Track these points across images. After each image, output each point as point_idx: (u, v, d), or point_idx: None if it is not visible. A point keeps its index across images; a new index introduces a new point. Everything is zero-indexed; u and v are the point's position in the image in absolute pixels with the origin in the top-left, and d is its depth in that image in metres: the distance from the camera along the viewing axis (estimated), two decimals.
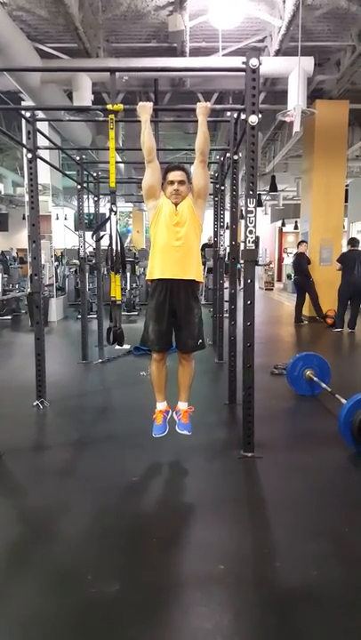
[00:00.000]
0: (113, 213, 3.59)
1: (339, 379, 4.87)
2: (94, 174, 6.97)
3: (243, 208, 3.34)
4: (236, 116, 4.40)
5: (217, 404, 4.53)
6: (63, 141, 10.08)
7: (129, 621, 1.87)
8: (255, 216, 3.22)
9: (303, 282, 9.52)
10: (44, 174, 8.46)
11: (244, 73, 3.16)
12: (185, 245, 3.17)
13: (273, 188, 15.30)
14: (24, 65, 6.59)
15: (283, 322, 10.41)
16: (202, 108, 3.27)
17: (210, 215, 7.47)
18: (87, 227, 7.28)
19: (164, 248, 3.17)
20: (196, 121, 3.29)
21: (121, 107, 3.57)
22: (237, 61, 3.28)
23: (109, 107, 3.49)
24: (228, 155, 5.32)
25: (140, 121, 3.29)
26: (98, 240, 6.72)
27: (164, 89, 8.95)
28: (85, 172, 6.36)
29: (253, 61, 3.12)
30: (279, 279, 21.22)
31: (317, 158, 9.61)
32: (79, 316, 7.46)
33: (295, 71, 6.96)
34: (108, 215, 3.64)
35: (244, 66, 3.15)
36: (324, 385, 4.42)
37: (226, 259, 6.26)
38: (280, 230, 22.74)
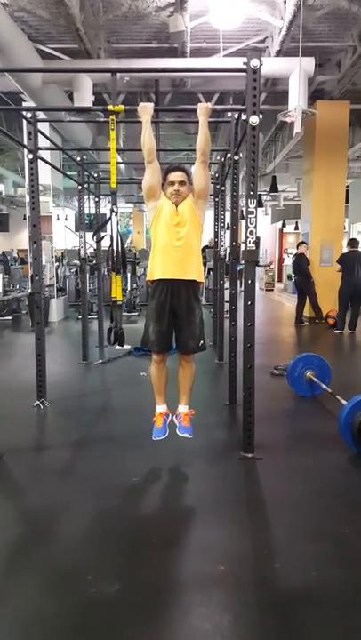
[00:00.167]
0: (114, 214, 3.60)
1: (339, 380, 4.86)
2: (95, 175, 6.97)
3: (243, 208, 3.34)
4: (236, 116, 4.40)
5: (217, 404, 4.53)
6: (64, 142, 10.08)
7: (129, 622, 1.87)
8: (256, 217, 3.22)
9: (304, 283, 9.51)
10: (45, 175, 8.48)
11: (244, 73, 3.17)
12: (186, 245, 3.16)
13: (273, 188, 15.29)
14: (25, 66, 6.59)
15: (283, 322, 10.41)
16: (203, 109, 3.27)
17: (210, 216, 7.48)
18: (88, 227, 7.28)
19: (164, 248, 3.17)
20: (197, 121, 3.29)
21: (122, 107, 3.57)
22: (238, 62, 3.28)
23: (110, 107, 3.49)
24: (228, 155, 5.32)
25: (140, 122, 3.29)
26: (98, 241, 6.73)
27: (164, 89, 8.96)
28: (86, 173, 6.36)
29: (254, 62, 3.12)
30: (280, 280, 21.22)
31: (318, 159, 9.60)
32: (80, 317, 7.46)
33: (296, 72, 6.96)
34: (108, 216, 3.64)
35: (244, 66, 3.15)
36: (324, 386, 4.42)
37: (226, 259, 6.26)
38: (281, 231, 22.74)
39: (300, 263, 9.48)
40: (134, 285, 11.20)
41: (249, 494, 2.93)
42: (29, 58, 6.74)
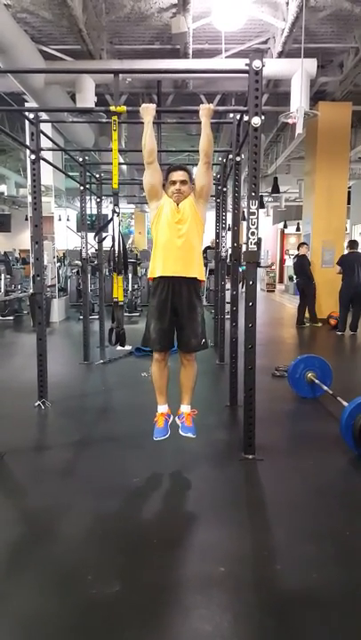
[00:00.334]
0: (115, 215, 3.60)
1: (340, 381, 4.86)
2: (97, 175, 6.98)
3: (245, 210, 3.34)
4: (238, 117, 4.41)
5: (218, 405, 4.53)
6: (66, 143, 10.10)
7: (129, 622, 1.87)
8: (257, 218, 3.22)
9: (305, 284, 9.49)
10: (47, 175, 8.50)
11: (247, 75, 3.17)
12: (186, 243, 3.17)
13: (275, 189, 15.30)
14: (28, 66, 6.61)
15: (284, 324, 10.41)
16: (205, 110, 3.27)
17: (212, 217, 7.48)
18: (89, 228, 7.28)
19: (165, 245, 3.17)
20: (199, 122, 3.29)
21: (124, 108, 3.58)
22: (241, 63, 3.28)
23: (112, 108, 3.50)
24: (230, 156, 5.33)
25: (143, 122, 3.29)
26: (100, 241, 6.74)
27: (167, 90, 8.97)
28: (88, 174, 6.36)
29: (257, 63, 3.12)
30: (281, 281, 21.21)
31: (320, 160, 9.61)
32: (81, 317, 7.48)
33: (298, 73, 6.97)
34: (110, 216, 3.65)
35: (247, 67, 3.16)
36: (325, 387, 4.42)
37: (228, 260, 6.26)
38: (282, 232, 22.74)
39: (302, 264, 9.47)
40: (135, 286, 11.21)
41: (249, 495, 2.93)
42: (32, 59, 6.75)
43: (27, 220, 12.21)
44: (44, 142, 4.60)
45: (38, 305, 4.48)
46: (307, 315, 9.67)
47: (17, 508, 2.83)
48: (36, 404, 4.38)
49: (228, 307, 5.34)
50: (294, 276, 10.54)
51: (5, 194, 17.03)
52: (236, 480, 3.09)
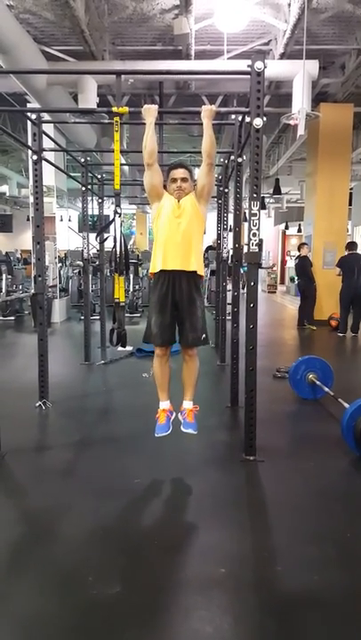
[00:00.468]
0: (117, 215, 3.60)
1: (342, 383, 4.86)
2: (99, 176, 6.98)
3: (246, 211, 3.34)
4: (240, 118, 4.40)
5: (219, 406, 4.52)
6: (68, 143, 10.10)
7: (130, 623, 1.87)
8: (259, 219, 3.22)
9: (306, 286, 9.48)
10: (49, 176, 8.48)
11: (249, 76, 3.17)
12: (187, 237, 3.19)
13: (277, 190, 15.32)
14: (30, 67, 6.62)
15: (285, 325, 10.40)
16: (207, 112, 3.27)
17: (213, 218, 7.48)
18: (91, 228, 7.29)
19: (166, 240, 3.19)
20: (201, 124, 3.30)
21: (126, 109, 3.58)
22: (243, 64, 3.29)
23: (115, 109, 3.50)
24: (232, 157, 5.32)
25: (145, 123, 3.30)
26: (102, 242, 6.74)
27: (169, 91, 8.98)
28: (90, 174, 6.37)
29: (258, 64, 3.12)
30: (282, 282, 21.22)
31: (321, 161, 9.61)
32: (82, 318, 7.47)
33: (300, 74, 6.97)
34: (112, 217, 3.65)
35: (249, 69, 3.16)
36: (326, 389, 4.42)
37: (229, 261, 6.26)
38: (283, 233, 22.76)
39: (303, 265, 9.46)
40: (137, 287, 11.21)
41: (250, 497, 2.93)
42: (34, 59, 6.76)
43: (28, 220, 12.23)
44: (46, 143, 4.61)
45: (39, 305, 4.49)
46: None
47: (18, 509, 2.83)
48: (37, 404, 4.38)
49: (229, 308, 5.34)
50: (296, 277, 10.53)
51: (7, 194, 17.06)
52: (237, 481, 3.08)
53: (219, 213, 6.81)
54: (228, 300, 5.75)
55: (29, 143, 4.34)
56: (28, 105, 8.39)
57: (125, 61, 7.90)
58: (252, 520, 2.65)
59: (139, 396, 4.84)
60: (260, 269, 3.33)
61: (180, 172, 3.26)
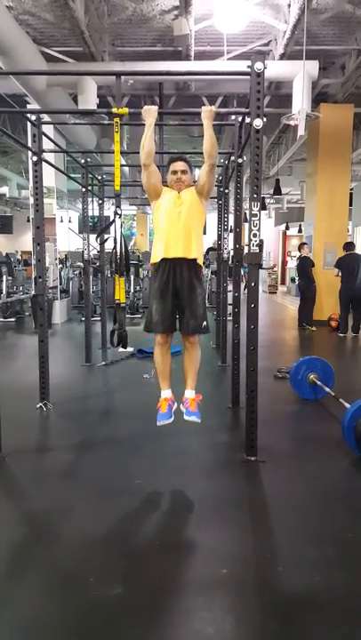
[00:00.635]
0: (117, 216, 3.60)
1: (342, 383, 4.86)
2: (99, 177, 6.98)
3: (247, 211, 3.34)
4: (240, 119, 4.40)
5: (220, 407, 4.52)
6: (68, 144, 10.11)
7: (131, 624, 1.87)
8: (259, 219, 3.22)
9: (306, 286, 9.46)
10: (49, 177, 8.49)
11: (248, 77, 3.17)
12: (187, 226, 3.21)
13: (277, 191, 15.32)
14: (30, 68, 6.63)
15: (286, 325, 10.40)
16: (207, 112, 3.28)
17: (214, 218, 7.48)
18: (91, 229, 7.29)
19: (167, 229, 3.22)
20: (201, 124, 3.31)
21: (126, 110, 3.58)
22: (242, 65, 3.29)
23: (114, 110, 3.50)
24: (232, 158, 5.32)
25: (144, 124, 3.31)
26: (102, 243, 6.74)
27: (168, 92, 8.99)
28: (90, 175, 6.37)
29: (258, 65, 3.12)
30: (283, 282, 21.21)
31: (322, 162, 9.61)
32: (83, 319, 7.47)
33: (300, 75, 6.97)
34: (112, 218, 3.65)
35: (249, 70, 3.16)
36: (327, 389, 4.41)
37: (230, 262, 6.26)
38: (284, 234, 22.75)
39: (304, 266, 9.44)
40: (137, 288, 11.21)
41: (252, 497, 2.92)
42: (34, 60, 6.77)
43: (28, 221, 12.24)
44: (46, 144, 4.60)
45: (40, 306, 4.49)
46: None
47: (19, 510, 2.82)
48: (38, 405, 4.38)
49: (229, 308, 5.34)
50: (296, 278, 10.52)
51: (7, 195, 17.07)
52: (238, 482, 3.08)
53: (219, 214, 6.81)
54: (229, 300, 5.75)
55: (29, 144, 4.35)
56: (28, 106, 8.40)
57: (125, 62, 7.90)
58: (254, 520, 2.65)
59: (140, 398, 4.84)
60: (260, 270, 3.32)
61: (179, 165, 3.31)
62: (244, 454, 3.33)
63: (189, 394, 3.36)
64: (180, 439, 3.49)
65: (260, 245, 3.23)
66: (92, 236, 6.54)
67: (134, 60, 8.14)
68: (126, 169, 12.36)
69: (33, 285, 9.50)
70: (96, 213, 7.90)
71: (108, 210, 11.69)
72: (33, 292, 8.31)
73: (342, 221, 10.05)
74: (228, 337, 5.88)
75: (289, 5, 6.43)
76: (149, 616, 1.90)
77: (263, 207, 18.12)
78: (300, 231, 19.41)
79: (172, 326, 3.30)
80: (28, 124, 4.32)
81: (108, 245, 4.85)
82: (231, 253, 5.90)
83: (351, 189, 12.59)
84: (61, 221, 11.31)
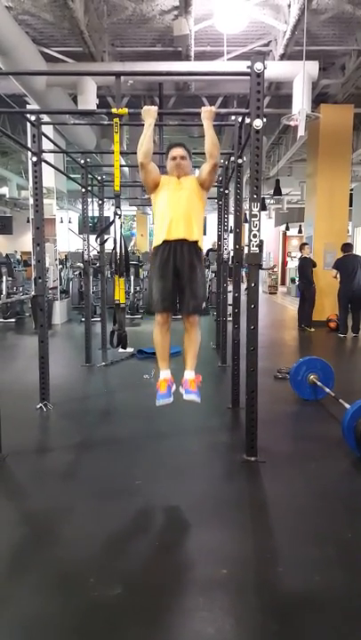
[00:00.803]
0: (117, 217, 3.60)
1: (342, 383, 4.86)
2: (99, 178, 6.98)
3: (247, 212, 3.34)
4: (240, 119, 4.41)
5: (220, 407, 4.52)
6: (68, 145, 10.11)
7: (131, 624, 1.87)
8: (259, 220, 3.22)
9: (305, 288, 9.44)
10: (49, 177, 8.50)
11: (248, 77, 3.17)
12: (188, 209, 3.23)
13: (277, 191, 15.31)
14: (29, 68, 6.63)
15: (286, 326, 10.40)
16: (207, 113, 3.29)
17: (214, 219, 7.48)
18: (91, 230, 7.29)
19: (167, 212, 3.23)
20: (201, 125, 3.31)
21: (126, 110, 3.59)
22: (242, 65, 3.29)
23: (114, 110, 3.51)
24: (232, 158, 5.32)
25: (144, 125, 3.31)
26: (102, 243, 6.74)
27: (168, 93, 8.98)
28: (90, 176, 6.37)
29: (258, 65, 3.12)
30: (283, 283, 21.21)
31: (322, 162, 9.60)
32: (83, 319, 7.47)
33: (300, 75, 6.97)
34: (112, 218, 3.65)
35: (248, 70, 3.16)
36: (327, 389, 4.41)
37: (230, 263, 6.26)
38: (284, 234, 22.75)
39: (304, 266, 9.43)
40: (137, 288, 11.21)
41: (251, 497, 2.92)
42: (34, 61, 6.77)
43: (28, 222, 12.26)
44: (46, 144, 4.60)
45: (40, 307, 4.49)
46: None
47: (19, 510, 2.82)
48: (38, 406, 4.38)
49: (229, 309, 5.33)
50: (296, 279, 10.50)
51: (7, 196, 17.06)
52: (238, 482, 3.08)
53: (219, 215, 6.81)
54: (229, 301, 5.74)
55: (29, 145, 4.35)
56: (28, 106, 8.40)
57: (125, 62, 7.90)
58: (254, 521, 2.65)
59: (140, 398, 4.84)
60: (260, 270, 3.31)
61: (178, 151, 3.33)
62: (244, 455, 3.33)
63: (189, 374, 3.32)
64: (180, 439, 3.49)
65: (260, 246, 3.23)
66: (92, 237, 6.54)
67: (134, 60, 8.14)
68: (126, 169, 12.35)
69: (33, 286, 9.47)
70: (96, 214, 7.89)
71: (108, 210, 11.70)
72: (33, 293, 8.30)
73: (342, 222, 10.05)
74: (228, 337, 5.88)
75: (289, 6, 6.43)
76: (149, 616, 1.90)
77: (263, 208, 18.13)
78: (300, 232, 19.42)
79: (172, 305, 3.28)
80: (28, 124, 4.32)
81: (108, 246, 4.85)
82: (231, 254, 5.90)
83: (351, 190, 12.58)
84: (61, 222, 11.32)
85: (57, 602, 2.01)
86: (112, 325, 3.90)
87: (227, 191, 6.25)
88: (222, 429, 4.09)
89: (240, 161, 4.50)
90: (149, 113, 3.31)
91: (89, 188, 6.44)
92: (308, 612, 1.94)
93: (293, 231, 21.34)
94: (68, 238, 11.76)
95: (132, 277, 11.00)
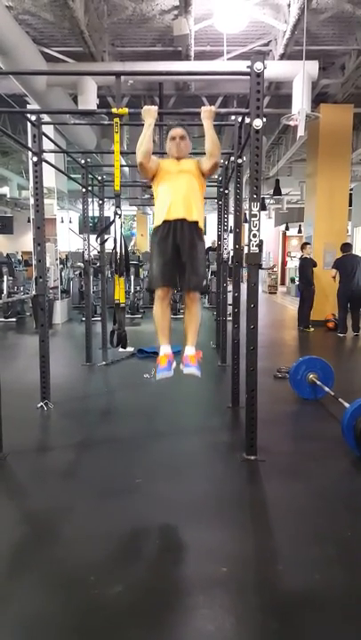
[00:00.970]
0: (117, 216, 3.61)
1: (342, 383, 4.87)
2: (99, 177, 6.99)
3: (246, 212, 3.35)
4: (240, 119, 4.41)
5: (220, 407, 4.53)
6: (68, 145, 10.11)
7: (131, 623, 1.87)
8: (259, 220, 3.22)
9: (305, 288, 9.43)
10: (49, 177, 8.50)
11: (248, 77, 3.18)
12: (188, 191, 3.23)
13: (277, 191, 15.31)
14: (30, 68, 6.63)
15: (286, 326, 10.41)
16: (206, 112, 3.29)
17: (213, 219, 7.48)
18: (92, 230, 7.29)
19: (167, 193, 3.24)
20: (201, 124, 3.31)
21: (126, 110, 3.59)
22: (242, 65, 3.30)
23: (114, 110, 3.51)
24: (232, 158, 5.33)
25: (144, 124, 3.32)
26: (102, 243, 6.74)
27: (168, 92, 8.99)
28: (90, 176, 6.38)
29: (258, 65, 3.13)
30: (283, 283, 21.22)
31: (321, 162, 9.61)
32: (83, 319, 7.47)
33: (300, 75, 6.97)
34: (112, 218, 3.66)
35: (248, 70, 3.16)
36: (327, 389, 4.42)
37: (229, 262, 6.26)
38: (284, 234, 22.76)
39: (304, 267, 9.41)
40: (137, 288, 11.21)
41: (251, 496, 2.93)
42: (34, 60, 6.77)
43: (29, 222, 12.25)
44: (46, 144, 4.61)
45: (41, 307, 4.49)
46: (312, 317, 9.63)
47: (19, 509, 2.83)
48: (39, 405, 4.39)
49: (229, 309, 5.34)
50: (296, 278, 10.50)
51: (8, 196, 17.07)
52: (238, 481, 3.09)
53: (219, 214, 6.82)
54: (229, 300, 5.75)
55: (29, 145, 4.35)
56: (28, 106, 8.39)
57: (125, 62, 7.91)
58: (254, 520, 2.66)
59: (140, 397, 4.85)
60: (260, 270, 3.33)
61: (178, 131, 3.34)
62: (244, 453, 3.33)
63: (189, 350, 3.29)
64: (180, 438, 3.49)
65: (260, 246, 3.24)
66: (93, 237, 6.55)
67: (134, 60, 8.15)
68: (126, 169, 12.35)
69: (34, 285, 9.50)
70: (96, 214, 7.89)
71: (109, 210, 11.69)
72: (34, 293, 8.30)
73: (342, 222, 10.05)
74: (227, 337, 5.89)
75: (289, 5, 6.43)
76: (150, 614, 1.91)
77: (263, 207, 18.14)
78: (299, 231, 19.43)
79: (172, 280, 3.27)
80: (28, 124, 4.33)
81: (109, 246, 4.86)
82: (231, 254, 5.90)
83: (351, 190, 12.59)
84: (62, 222, 11.31)
85: (57, 600, 2.01)
86: (112, 325, 3.90)
87: (226, 191, 6.26)
88: (222, 428, 4.09)
89: (240, 161, 4.50)
90: (149, 113, 3.31)
91: (89, 188, 6.45)
92: (308, 610, 1.95)
93: (293, 231, 21.36)
94: (68, 238, 11.76)
95: (132, 277, 11.00)
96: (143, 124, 3.32)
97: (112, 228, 3.68)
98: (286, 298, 16.91)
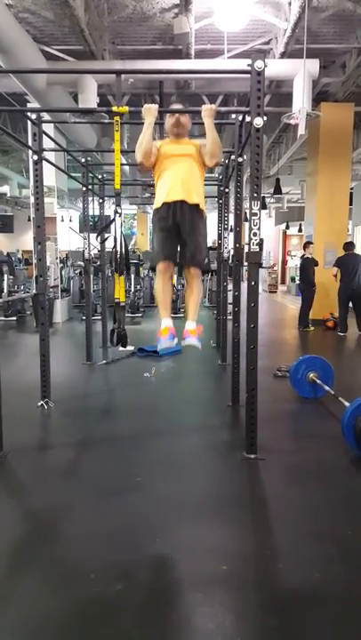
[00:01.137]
0: (118, 215, 3.61)
1: (342, 382, 4.87)
2: (99, 176, 6.99)
3: (247, 210, 3.35)
4: (240, 118, 4.41)
5: (220, 405, 4.53)
6: (68, 143, 10.11)
7: (131, 621, 1.88)
8: (259, 219, 3.22)
9: (305, 287, 9.41)
10: (50, 176, 8.49)
11: (249, 75, 3.17)
12: (188, 174, 3.25)
13: (277, 190, 15.31)
14: (30, 67, 6.63)
15: (286, 325, 10.41)
16: (207, 111, 3.29)
17: (214, 218, 7.48)
18: (92, 228, 7.29)
19: (169, 175, 3.25)
20: (201, 123, 3.31)
21: (126, 109, 3.59)
22: (243, 64, 3.29)
23: (115, 109, 3.51)
24: (232, 157, 5.32)
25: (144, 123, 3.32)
26: (102, 242, 6.74)
27: (169, 91, 8.98)
28: (90, 174, 6.38)
29: (259, 64, 3.13)
30: (283, 282, 21.22)
31: (322, 161, 9.60)
32: (83, 318, 7.49)
33: (300, 73, 6.97)
34: (112, 217, 3.66)
35: (249, 68, 3.16)
36: (327, 388, 4.42)
37: (230, 261, 6.26)
38: (284, 233, 22.76)
39: (305, 266, 9.38)
40: (138, 287, 11.22)
41: (251, 495, 2.93)
42: (34, 59, 6.77)
43: (29, 220, 12.25)
44: (47, 143, 4.61)
45: (41, 305, 4.50)
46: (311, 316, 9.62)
47: (20, 508, 2.83)
48: (39, 403, 4.39)
49: (229, 308, 5.34)
50: (297, 278, 10.50)
51: (8, 195, 17.08)
52: (238, 479, 3.09)
53: (219, 213, 6.81)
54: (229, 299, 5.75)
55: (30, 143, 4.35)
56: (28, 105, 8.40)
57: (125, 61, 7.91)
58: (254, 518, 2.66)
59: (140, 396, 4.85)
60: (260, 269, 3.33)
61: (178, 107, 3.43)
62: (244, 452, 3.34)
63: (190, 325, 3.32)
64: (180, 437, 3.49)
65: (261, 244, 3.24)
66: (93, 236, 6.55)
67: (134, 58, 8.15)
68: (126, 168, 12.36)
69: (34, 284, 9.52)
70: (97, 212, 7.89)
71: (109, 209, 11.69)
72: (34, 291, 8.32)
73: (342, 221, 10.05)
74: (228, 336, 5.89)
75: (290, 3, 6.43)
76: (149, 612, 1.91)
77: (263, 206, 18.12)
78: (300, 230, 19.44)
79: (172, 255, 3.29)
80: (29, 122, 4.32)
81: (109, 244, 4.86)
82: (231, 253, 5.90)
83: (351, 189, 12.59)
84: (62, 220, 11.31)
85: (57, 598, 2.02)
86: (112, 324, 3.91)
87: (227, 190, 6.25)
88: (222, 427, 4.10)
89: (240, 159, 4.50)
90: (150, 111, 3.32)
91: (90, 187, 6.44)
92: (307, 608, 1.95)
93: (293, 230, 21.36)
94: (68, 237, 11.76)
95: (132, 276, 11.01)
96: (143, 123, 3.32)
97: (112, 226, 3.68)
98: (286, 297, 16.91)
